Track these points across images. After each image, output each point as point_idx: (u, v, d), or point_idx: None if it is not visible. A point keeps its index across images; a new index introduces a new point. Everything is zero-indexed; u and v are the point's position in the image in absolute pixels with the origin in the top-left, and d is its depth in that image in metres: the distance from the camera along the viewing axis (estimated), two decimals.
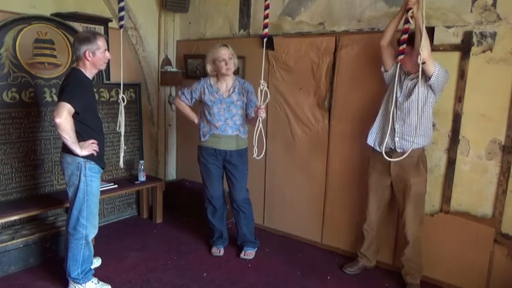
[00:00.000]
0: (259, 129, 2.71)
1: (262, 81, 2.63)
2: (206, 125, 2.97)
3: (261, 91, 2.64)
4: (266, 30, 2.71)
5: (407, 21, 2.28)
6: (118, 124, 2.72)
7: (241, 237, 3.16)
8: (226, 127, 2.91)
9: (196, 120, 3.09)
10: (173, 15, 4.08)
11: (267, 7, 2.67)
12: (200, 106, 3.06)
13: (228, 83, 2.95)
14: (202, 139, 2.99)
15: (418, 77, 2.49)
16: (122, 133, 2.71)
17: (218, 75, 2.95)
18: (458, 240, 2.65)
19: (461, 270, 2.66)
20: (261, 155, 2.76)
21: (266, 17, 2.69)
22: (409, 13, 2.25)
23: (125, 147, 2.78)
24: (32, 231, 2.89)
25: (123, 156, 2.78)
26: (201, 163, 3.06)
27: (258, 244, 3.21)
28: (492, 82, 2.47)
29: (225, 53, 2.83)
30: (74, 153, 2.32)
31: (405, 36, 2.29)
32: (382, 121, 2.62)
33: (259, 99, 2.67)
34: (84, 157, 2.36)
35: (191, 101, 3.05)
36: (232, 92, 2.93)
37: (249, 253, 3.11)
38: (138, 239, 3.40)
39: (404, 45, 2.32)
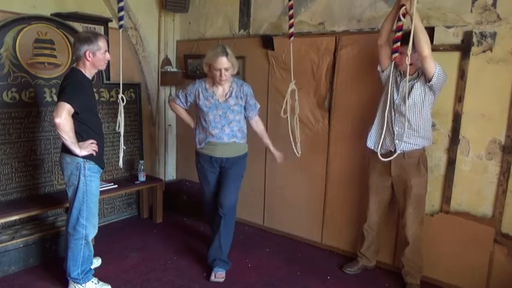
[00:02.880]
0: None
1: (293, 81, 2.90)
2: (202, 132, 2.80)
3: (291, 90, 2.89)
4: (292, 30, 2.90)
5: (399, 19, 2.26)
6: (117, 124, 2.70)
7: (214, 251, 2.82)
8: (222, 135, 2.74)
9: (192, 125, 2.94)
10: (173, 15, 4.08)
11: (290, 7, 2.86)
12: (196, 110, 2.86)
13: (224, 87, 2.74)
14: (198, 146, 2.85)
15: (414, 78, 2.49)
16: (122, 133, 2.70)
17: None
18: (458, 240, 2.65)
19: (461, 270, 2.66)
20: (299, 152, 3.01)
21: (291, 17, 2.89)
22: (402, 10, 2.23)
23: (125, 148, 2.76)
24: (32, 231, 2.89)
25: (123, 156, 2.77)
26: (198, 169, 2.93)
27: (229, 266, 2.87)
28: (492, 82, 2.47)
29: (222, 62, 2.59)
30: (73, 153, 2.32)
31: (399, 34, 2.27)
32: (380, 123, 2.60)
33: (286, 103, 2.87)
34: (84, 157, 2.36)
35: (186, 104, 2.88)
36: (229, 97, 2.73)
37: (219, 274, 2.77)
38: (138, 239, 3.40)
39: (398, 44, 2.30)
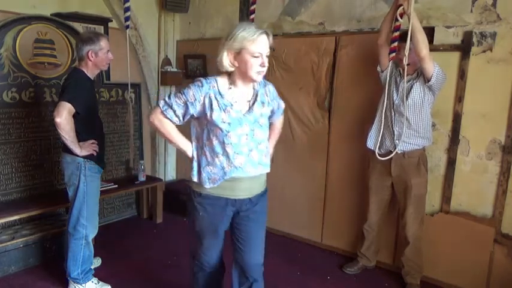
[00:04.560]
0: None
1: None
2: (213, 162, 1.75)
3: None
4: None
5: (397, 19, 2.26)
6: (127, 124, 2.70)
7: None
8: (248, 164, 1.77)
9: (190, 153, 1.81)
10: (173, 15, 4.08)
11: (253, 3, 2.82)
12: (197, 127, 1.81)
13: (248, 89, 1.80)
14: (208, 186, 1.78)
15: (414, 78, 2.49)
16: (131, 133, 2.70)
17: (235, 75, 1.75)
18: (458, 240, 2.65)
19: (461, 270, 2.66)
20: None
21: (252, 12, 2.95)
22: (399, 10, 2.23)
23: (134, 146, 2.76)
24: (32, 231, 2.89)
25: (133, 155, 2.76)
26: (200, 219, 1.85)
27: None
28: (492, 82, 2.48)
29: (266, 45, 1.71)
30: (73, 153, 2.32)
31: (396, 33, 2.27)
32: (380, 124, 2.58)
33: None
34: (84, 157, 2.36)
35: (183, 118, 1.75)
36: (253, 103, 1.79)
37: None
38: (138, 239, 3.40)
39: (395, 43, 2.30)
